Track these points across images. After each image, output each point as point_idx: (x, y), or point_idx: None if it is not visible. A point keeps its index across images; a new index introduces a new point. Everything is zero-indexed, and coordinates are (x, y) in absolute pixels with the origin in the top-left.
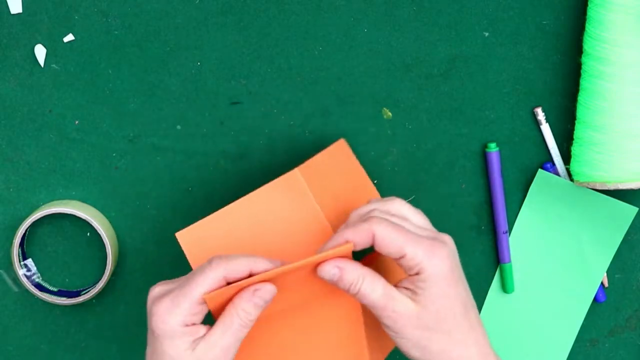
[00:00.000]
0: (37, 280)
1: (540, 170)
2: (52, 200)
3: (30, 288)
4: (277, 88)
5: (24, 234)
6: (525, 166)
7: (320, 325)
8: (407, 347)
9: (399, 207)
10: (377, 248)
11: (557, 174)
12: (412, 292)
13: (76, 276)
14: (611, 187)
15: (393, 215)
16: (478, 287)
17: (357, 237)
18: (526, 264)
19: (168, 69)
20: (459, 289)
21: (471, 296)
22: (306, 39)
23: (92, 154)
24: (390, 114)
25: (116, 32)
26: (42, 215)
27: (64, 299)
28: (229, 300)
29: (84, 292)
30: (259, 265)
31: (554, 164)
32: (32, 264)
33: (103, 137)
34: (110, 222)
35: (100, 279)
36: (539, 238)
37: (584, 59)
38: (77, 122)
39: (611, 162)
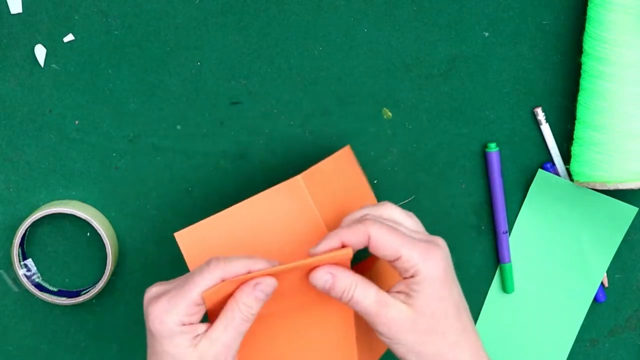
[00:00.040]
0: (37, 280)
1: (540, 170)
2: (52, 200)
3: (30, 288)
4: (277, 88)
5: (24, 234)
6: (525, 166)
7: (312, 329)
8: (402, 352)
9: (391, 211)
10: (372, 250)
11: (557, 174)
12: (406, 295)
13: (76, 276)
14: (611, 187)
15: (386, 219)
16: (478, 287)
17: (352, 238)
18: (526, 264)
19: (168, 69)
20: (452, 292)
21: (464, 299)
22: (306, 39)
23: (92, 154)
24: (390, 114)
25: (116, 32)
26: (42, 215)
27: (64, 299)
28: (227, 298)
29: (84, 292)
30: (257, 266)
31: (554, 164)
32: (32, 264)
33: (103, 137)
34: (110, 222)
35: (100, 279)
36: (539, 238)
37: (584, 59)
38: (77, 122)
39: (611, 162)
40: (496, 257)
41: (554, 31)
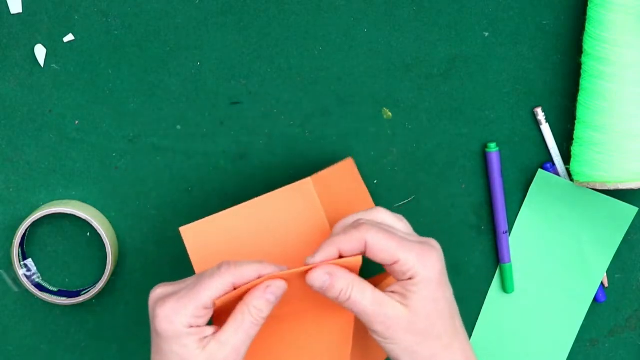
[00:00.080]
0: (37, 280)
1: (540, 170)
2: (52, 200)
3: (30, 288)
4: (277, 88)
5: (24, 234)
6: (525, 166)
7: (310, 337)
8: (397, 353)
9: (383, 215)
10: (369, 255)
11: (557, 174)
12: (402, 297)
13: (76, 276)
14: (611, 187)
15: (379, 224)
16: (478, 287)
17: (349, 245)
18: (526, 264)
19: (168, 69)
20: (446, 293)
21: (455, 300)
22: (306, 39)
23: (92, 154)
24: (390, 114)
25: (116, 32)
26: (42, 215)
27: (64, 299)
28: (234, 303)
29: (84, 292)
30: (268, 271)
31: (554, 164)
32: (32, 264)
33: (103, 137)
34: (110, 222)
35: (100, 279)
36: (539, 238)
37: (584, 59)
38: (77, 122)
39: (611, 162)
40: (496, 257)
41: (554, 31)
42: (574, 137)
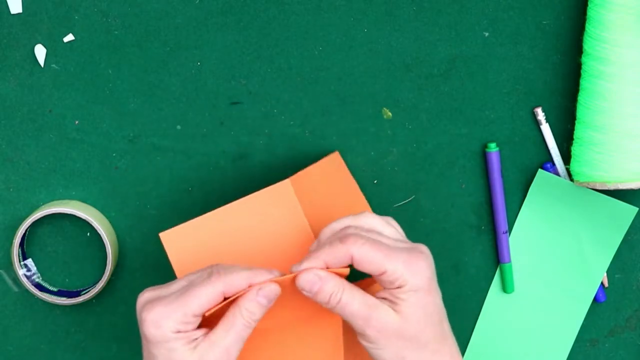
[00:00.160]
0: (37, 280)
1: (540, 170)
2: (52, 200)
3: (30, 288)
4: (277, 88)
5: (24, 234)
6: (525, 166)
7: (300, 343)
8: (385, 358)
9: (371, 220)
10: (356, 267)
11: (557, 174)
12: (392, 303)
13: (76, 276)
14: (611, 187)
15: (367, 230)
16: (478, 287)
17: (335, 259)
18: (526, 264)
19: (168, 69)
20: (435, 299)
21: (443, 305)
22: (306, 39)
23: (92, 154)
24: (390, 114)
25: (116, 32)
26: (42, 215)
27: (64, 299)
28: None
29: (84, 292)
30: (259, 278)
31: (554, 164)
32: (32, 264)
33: (103, 137)
34: (110, 222)
35: (100, 279)
36: (539, 238)
37: (584, 59)
38: (77, 122)
39: (611, 162)
40: (496, 257)
41: (554, 31)
42: (574, 137)
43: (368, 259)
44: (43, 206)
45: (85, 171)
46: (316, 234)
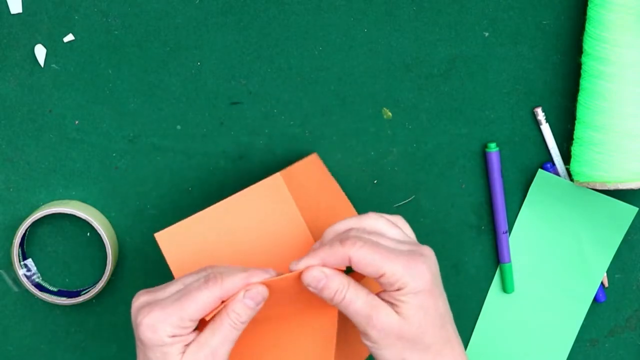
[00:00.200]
0: (37, 280)
1: (540, 170)
2: (52, 200)
3: (30, 288)
4: (277, 88)
5: (24, 234)
6: (525, 166)
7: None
8: (387, 358)
9: (374, 222)
10: (354, 268)
11: (557, 174)
12: (392, 305)
13: (76, 276)
14: (611, 187)
15: (369, 232)
16: (478, 287)
17: (333, 260)
18: (526, 264)
19: (168, 69)
20: (437, 302)
21: (449, 308)
22: (306, 39)
23: (92, 154)
24: (390, 114)
25: (116, 32)
26: (42, 215)
27: (64, 299)
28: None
29: (84, 292)
30: (254, 279)
31: (554, 164)
32: (32, 264)
33: (103, 137)
34: (110, 222)
35: (100, 279)
36: (539, 238)
37: (584, 59)
38: (77, 122)
39: (611, 162)
40: (496, 257)
41: (554, 31)
42: (574, 137)
43: (366, 261)
44: (43, 206)
45: (85, 171)
46: (309, 227)
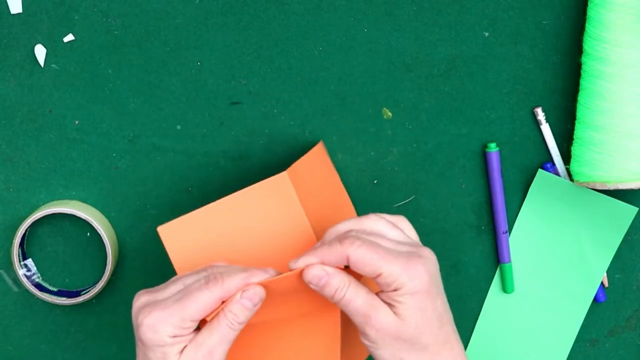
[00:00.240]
0: (37, 280)
1: (540, 170)
2: (52, 200)
3: (30, 288)
4: (277, 88)
5: (24, 234)
6: (525, 166)
7: (298, 339)
8: (385, 358)
9: (374, 223)
10: (352, 268)
11: (557, 174)
12: (390, 306)
13: (76, 276)
14: (611, 187)
15: (369, 233)
16: (478, 287)
17: (332, 258)
18: (526, 264)
19: (168, 69)
20: (436, 303)
21: (448, 309)
22: (306, 39)
23: (92, 154)
24: (390, 114)
25: (116, 32)
26: (42, 215)
27: (64, 299)
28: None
29: (84, 292)
30: (254, 279)
31: (554, 164)
32: (32, 264)
33: (103, 137)
34: (110, 222)
35: (100, 279)
36: (539, 238)
37: (584, 59)
38: (77, 122)
39: (611, 162)
40: (496, 257)
41: (554, 31)
42: (574, 137)
43: (364, 261)
44: (43, 206)
45: (85, 171)
46: (313, 226)
